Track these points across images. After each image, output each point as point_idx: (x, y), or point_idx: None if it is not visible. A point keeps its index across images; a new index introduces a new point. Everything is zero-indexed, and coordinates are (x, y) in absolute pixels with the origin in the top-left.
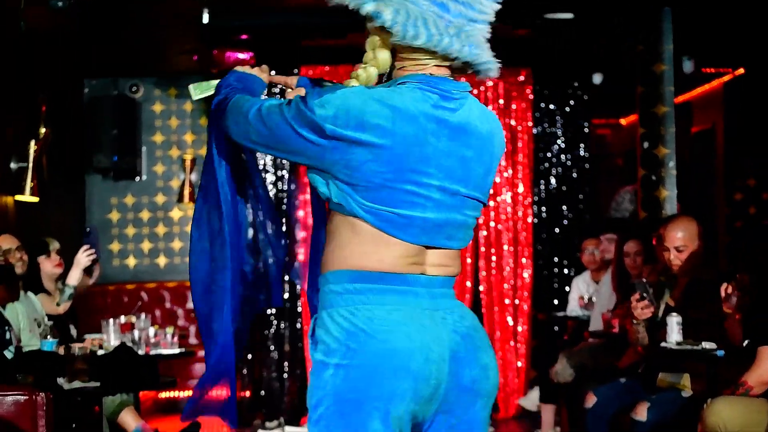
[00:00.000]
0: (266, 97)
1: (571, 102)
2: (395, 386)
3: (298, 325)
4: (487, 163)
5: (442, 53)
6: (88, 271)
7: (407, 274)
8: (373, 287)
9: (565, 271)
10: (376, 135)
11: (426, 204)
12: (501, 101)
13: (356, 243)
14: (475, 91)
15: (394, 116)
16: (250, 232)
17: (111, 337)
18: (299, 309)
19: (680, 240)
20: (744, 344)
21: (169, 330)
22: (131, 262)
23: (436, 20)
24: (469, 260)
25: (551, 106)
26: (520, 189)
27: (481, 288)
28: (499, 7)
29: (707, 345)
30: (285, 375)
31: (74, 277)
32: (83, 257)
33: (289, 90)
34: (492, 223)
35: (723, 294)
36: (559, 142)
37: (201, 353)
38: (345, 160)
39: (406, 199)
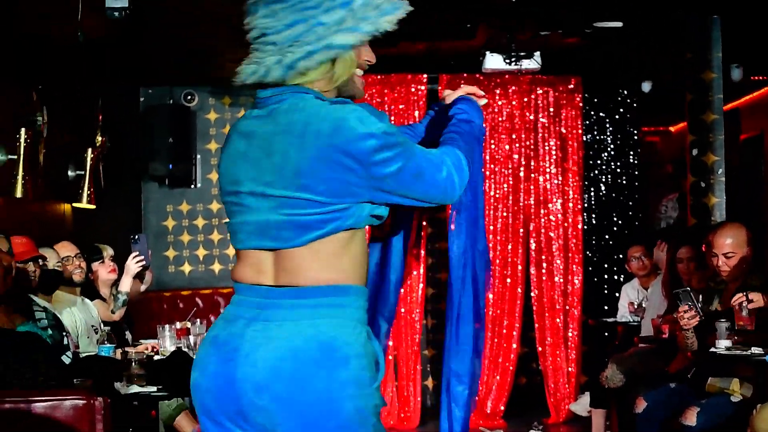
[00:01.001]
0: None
1: (621, 110)
2: (199, 398)
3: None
4: (294, 159)
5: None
6: (139, 276)
7: (252, 284)
8: (233, 298)
9: (615, 277)
10: None
11: (243, 210)
12: (551, 109)
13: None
14: (525, 99)
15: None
16: None
17: (167, 343)
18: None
19: (729, 246)
20: None
21: None
22: (186, 268)
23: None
24: (520, 267)
25: (601, 114)
26: (570, 196)
27: (532, 294)
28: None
29: (756, 350)
30: None
31: (125, 284)
32: (133, 264)
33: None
34: (543, 230)
35: (736, 306)
36: (609, 149)
37: None
38: None
39: (229, 209)
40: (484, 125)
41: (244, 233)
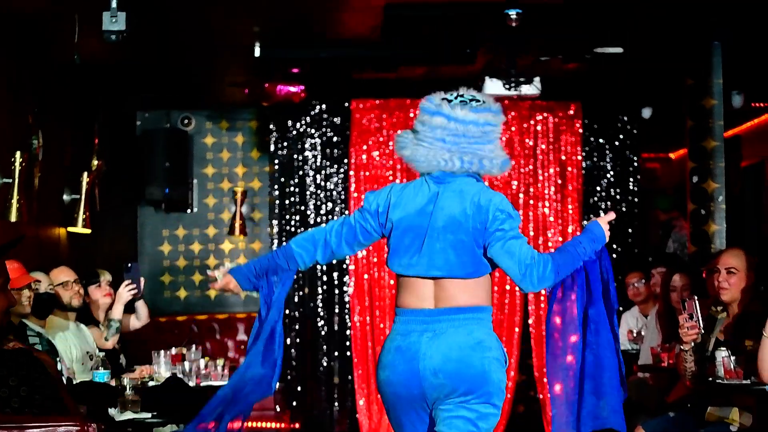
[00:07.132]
0: None
1: (621, 136)
2: (390, 390)
3: (348, 354)
4: (468, 214)
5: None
6: (131, 310)
7: (415, 309)
8: (399, 319)
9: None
10: None
11: (423, 247)
12: (551, 135)
13: None
14: (525, 125)
15: None
16: None
17: (162, 369)
18: (348, 342)
19: (731, 263)
20: None
21: (220, 362)
22: (182, 293)
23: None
24: (518, 294)
25: (601, 140)
26: (569, 222)
27: (530, 321)
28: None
29: (756, 379)
30: (335, 407)
31: (117, 312)
32: (125, 292)
33: None
34: None
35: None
36: (608, 176)
37: None
38: None
39: (411, 243)
40: (593, 251)
41: (425, 264)
